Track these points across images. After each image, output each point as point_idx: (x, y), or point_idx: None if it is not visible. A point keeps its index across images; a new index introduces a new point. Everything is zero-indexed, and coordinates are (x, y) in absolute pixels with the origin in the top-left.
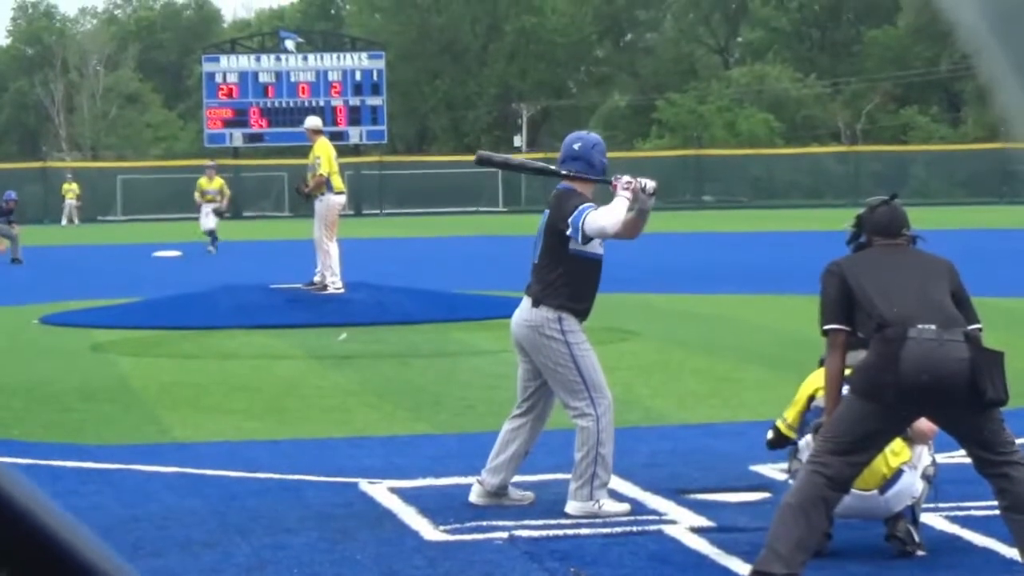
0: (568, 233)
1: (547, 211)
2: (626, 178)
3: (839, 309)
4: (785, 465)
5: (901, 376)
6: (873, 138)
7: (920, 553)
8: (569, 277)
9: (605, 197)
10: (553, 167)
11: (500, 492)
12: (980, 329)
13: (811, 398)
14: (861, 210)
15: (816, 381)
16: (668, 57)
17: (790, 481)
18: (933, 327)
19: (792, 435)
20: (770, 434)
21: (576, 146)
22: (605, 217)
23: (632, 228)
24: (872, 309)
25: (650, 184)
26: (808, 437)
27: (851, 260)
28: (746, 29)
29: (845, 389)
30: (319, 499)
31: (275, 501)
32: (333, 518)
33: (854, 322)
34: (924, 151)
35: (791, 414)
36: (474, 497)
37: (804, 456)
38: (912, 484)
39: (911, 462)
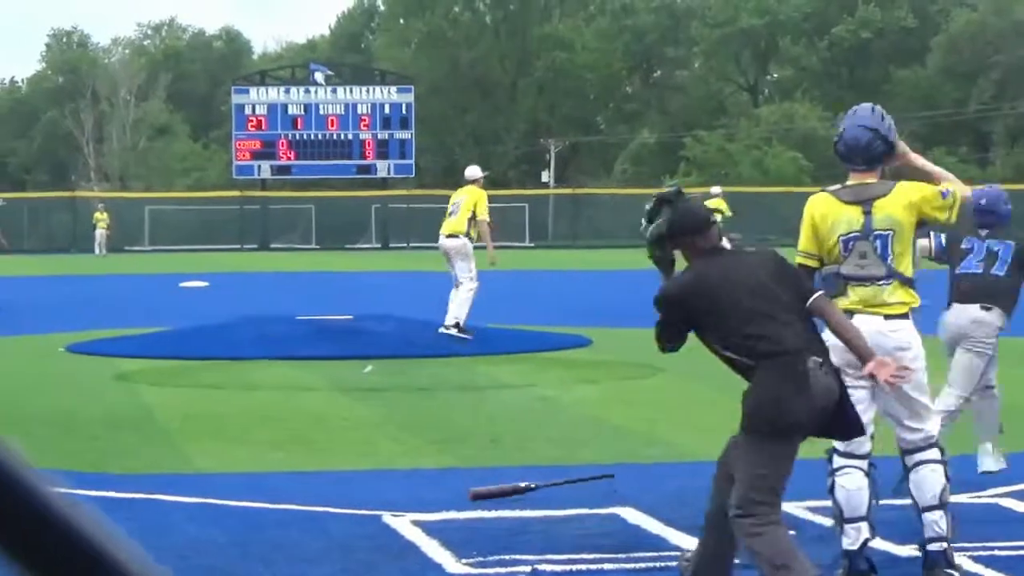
0: None
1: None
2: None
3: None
4: (811, 503)
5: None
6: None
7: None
8: None
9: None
10: None
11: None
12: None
13: None
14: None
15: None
16: (697, 94)
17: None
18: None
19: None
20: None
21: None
22: None
23: None
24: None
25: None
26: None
27: None
28: (775, 67)
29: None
30: (342, 531)
31: (297, 532)
32: (356, 550)
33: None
34: None
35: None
36: None
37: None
38: None
39: None
